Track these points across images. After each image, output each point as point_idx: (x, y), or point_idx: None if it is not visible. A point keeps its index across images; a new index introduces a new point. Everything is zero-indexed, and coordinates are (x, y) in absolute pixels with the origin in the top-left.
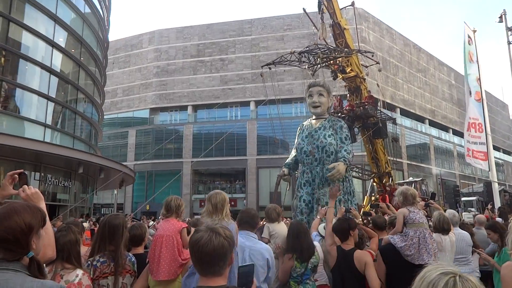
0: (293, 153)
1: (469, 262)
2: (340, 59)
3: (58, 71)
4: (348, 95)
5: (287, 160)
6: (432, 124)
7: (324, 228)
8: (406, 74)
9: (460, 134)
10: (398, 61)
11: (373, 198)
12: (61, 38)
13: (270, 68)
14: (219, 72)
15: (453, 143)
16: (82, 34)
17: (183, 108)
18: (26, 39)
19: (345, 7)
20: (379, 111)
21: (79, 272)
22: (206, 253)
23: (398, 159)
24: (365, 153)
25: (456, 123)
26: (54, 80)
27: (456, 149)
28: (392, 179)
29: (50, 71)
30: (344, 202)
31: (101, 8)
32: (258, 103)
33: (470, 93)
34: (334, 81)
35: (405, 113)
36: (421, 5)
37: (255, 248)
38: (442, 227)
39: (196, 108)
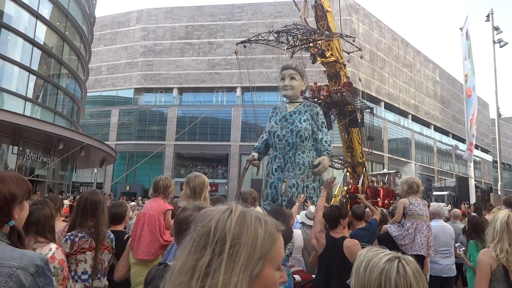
0: (264, 136)
1: (451, 254)
2: (320, 42)
3: (42, 43)
4: (327, 80)
5: (256, 144)
6: (415, 119)
7: (306, 215)
8: (393, 68)
9: (440, 131)
10: (385, 54)
11: (345, 188)
12: (45, 9)
13: (245, 46)
14: (206, 55)
15: (434, 139)
16: (68, 7)
17: (169, 90)
18: (9, 8)
19: None
20: (357, 100)
21: (53, 246)
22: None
23: (379, 152)
24: (341, 144)
25: (438, 120)
26: (37, 52)
27: (436, 145)
28: (366, 170)
29: (33, 43)
30: (311, 189)
31: None
32: (244, 89)
33: (474, 88)
34: (314, 66)
35: (389, 107)
36: (411, 1)
37: None
38: None
39: (181, 90)
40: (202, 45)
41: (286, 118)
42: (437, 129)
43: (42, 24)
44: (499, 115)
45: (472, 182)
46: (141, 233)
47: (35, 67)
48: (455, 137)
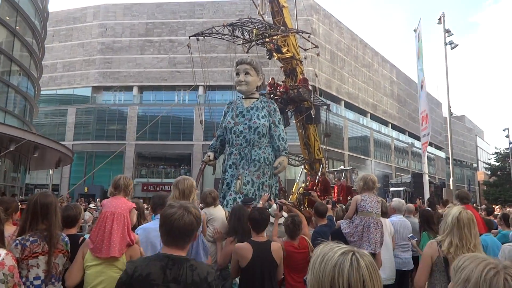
0: (219, 133)
1: (409, 248)
2: (276, 37)
3: None
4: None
5: (212, 142)
6: (373, 118)
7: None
8: (352, 68)
9: (397, 129)
10: (345, 55)
11: (303, 185)
12: None
13: (198, 39)
14: (167, 53)
15: (391, 137)
16: (18, 1)
17: (129, 88)
18: None
19: None
20: (314, 97)
21: (2, 252)
22: (176, 227)
23: (339, 150)
24: (298, 142)
25: (395, 118)
26: None
27: (393, 143)
28: (323, 167)
29: None
30: (266, 186)
31: None
32: (207, 88)
33: (422, 87)
34: (270, 62)
35: (349, 106)
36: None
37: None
38: (382, 211)
39: (142, 89)
40: (163, 42)
41: (243, 114)
42: (394, 127)
43: None
44: (450, 113)
45: (426, 178)
46: (111, 231)
47: None
48: (411, 135)
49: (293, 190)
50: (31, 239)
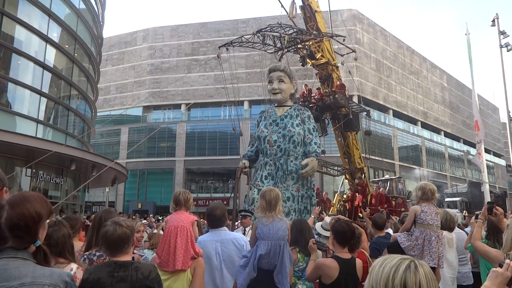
0: (253, 143)
1: (468, 262)
2: (309, 42)
3: (52, 66)
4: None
5: (246, 151)
6: (424, 126)
7: (322, 226)
8: (399, 76)
9: (451, 137)
10: (391, 63)
11: (344, 196)
12: (55, 33)
13: (227, 49)
14: (213, 71)
15: (445, 145)
16: (76, 30)
17: (177, 106)
18: (19, 33)
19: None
20: (352, 102)
21: (74, 266)
22: (113, 240)
23: (389, 160)
24: (338, 153)
25: (447, 126)
26: (47, 75)
27: (447, 151)
28: (364, 176)
29: (43, 66)
30: (306, 198)
31: (96, 3)
32: (252, 102)
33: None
34: (305, 69)
35: (397, 115)
36: (414, 7)
37: (226, 239)
38: (449, 226)
39: (189, 106)
40: (208, 60)
41: (277, 123)
42: (447, 135)
43: (51, 47)
44: (509, 118)
45: (486, 187)
46: (175, 244)
47: (45, 89)
48: (466, 142)
49: (334, 202)
50: (97, 253)
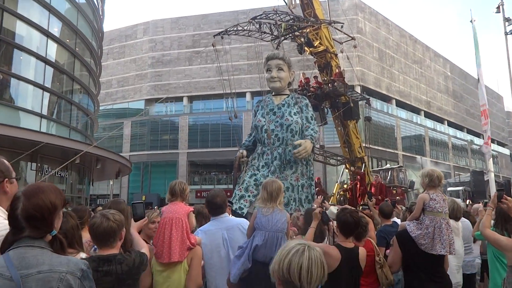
0: (251, 132)
1: (472, 250)
2: (307, 30)
3: (53, 61)
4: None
5: (243, 141)
6: (428, 115)
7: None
8: (402, 65)
9: (455, 126)
10: (394, 52)
11: (345, 186)
12: (55, 28)
13: (222, 37)
14: (214, 63)
15: (448, 134)
16: (77, 24)
17: (179, 99)
18: (20, 29)
19: None
20: (350, 90)
21: (83, 255)
22: (99, 233)
23: (393, 150)
24: (338, 144)
25: (451, 115)
26: (50, 70)
27: (451, 141)
28: (365, 165)
29: (45, 61)
30: (307, 188)
31: None
32: (254, 94)
33: (478, 80)
34: (306, 60)
35: (400, 105)
36: None
37: (231, 226)
38: (455, 215)
39: (191, 99)
40: (209, 52)
41: (274, 112)
42: (451, 124)
43: (53, 42)
44: None
45: (491, 176)
46: (171, 236)
47: (48, 84)
48: (470, 131)
49: (334, 191)
50: None
